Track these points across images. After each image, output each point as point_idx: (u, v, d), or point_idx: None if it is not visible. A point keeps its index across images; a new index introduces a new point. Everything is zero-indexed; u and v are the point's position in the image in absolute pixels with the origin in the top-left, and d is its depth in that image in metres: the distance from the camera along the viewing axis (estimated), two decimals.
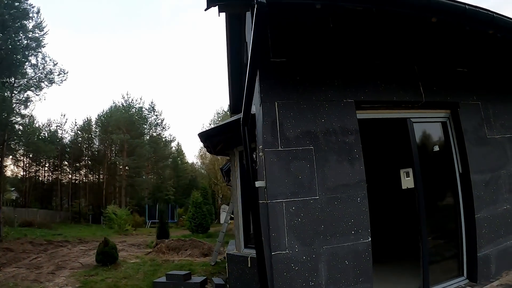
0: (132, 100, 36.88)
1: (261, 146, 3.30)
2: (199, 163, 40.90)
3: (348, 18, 3.28)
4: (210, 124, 38.26)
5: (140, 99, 39.04)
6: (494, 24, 2.80)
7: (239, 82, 7.68)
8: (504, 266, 3.29)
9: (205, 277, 5.63)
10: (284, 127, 3.10)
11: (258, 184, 3.17)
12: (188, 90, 71.06)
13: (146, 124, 37.23)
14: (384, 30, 3.46)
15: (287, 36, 3.37)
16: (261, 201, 3.27)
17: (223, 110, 40.33)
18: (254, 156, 5.12)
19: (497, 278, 3.15)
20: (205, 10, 2.46)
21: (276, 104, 3.14)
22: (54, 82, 21.07)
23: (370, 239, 3.03)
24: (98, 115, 37.10)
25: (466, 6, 2.65)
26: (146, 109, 37.23)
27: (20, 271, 6.83)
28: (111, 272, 6.38)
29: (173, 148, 39.20)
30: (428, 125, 3.64)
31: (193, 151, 75.02)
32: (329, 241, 2.94)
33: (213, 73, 73.57)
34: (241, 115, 4.24)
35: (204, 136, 5.07)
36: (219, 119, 38.22)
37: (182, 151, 40.79)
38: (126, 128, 33.11)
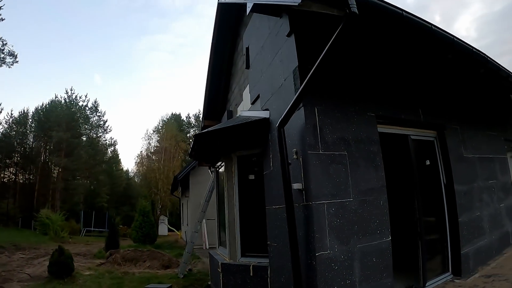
0: (76, 96, 34.85)
1: (295, 150, 3.55)
2: (134, 170, 39.88)
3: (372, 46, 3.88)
4: (153, 131, 39.00)
5: (85, 96, 36.14)
6: (487, 66, 3.74)
7: (217, 87, 7.78)
8: (479, 263, 4.20)
9: None
10: (323, 132, 3.42)
11: (295, 186, 3.40)
12: (132, 94, 71.38)
13: (87, 124, 35.26)
14: (396, 60, 4.19)
15: (321, 46, 3.76)
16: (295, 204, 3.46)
17: (167, 118, 42.63)
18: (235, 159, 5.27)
19: (476, 272, 4.01)
20: (299, 4, 2.53)
21: (316, 109, 3.46)
22: (4, 63, 17.70)
23: (390, 238, 3.53)
24: (36, 108, 34.19)
25: (473, 48, 3.51)
26: (89, 108, 35.48)
27: None
28: (69, 286, 5.45)
29: (109, 153, 37.52)
30: (421, 142, 4.44)
31: (130, 157, 71.34)
32: (361, 240, 3.33)
33: (160, 79, 73.80)
34: (219, 125, 4.41)
35: (202, 138, 5.00)
36: (163, 126, 37.71)
37: (118, 156, 39.12)
38: (66, 126, 30.56)
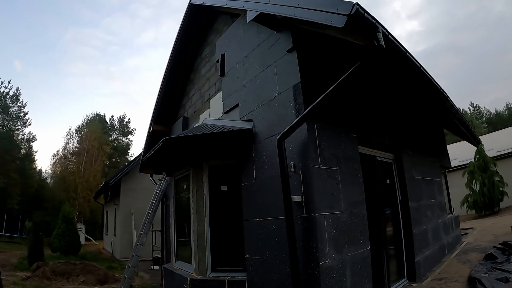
0: None
1: (292, 163, 3.79)
2: (49, 171, 36.61)
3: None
4: (76, 131, 37.19)
5: (8, 82, 30.87)
6: (445, 104, 4.71)
7: (172, 91, 7.56)
8: (427, 269, 5.09)
9: None
10: (321, 147, 3.77)
11: (296, 198, 3.62)
12: (54, 87, 66.83)
13: (6, 114, 30.41)
14: (377, 89, 4.91)
15: (324, 64, 4.16)
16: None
17: (91, 118, 41.68)
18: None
19: (427, 277, 4.84)
20: (342, 27, 2.80)
21: (315, 126, 3.80)
22: None
23: (369, 247, 4.05)
24: None
25: (440, 88, 4.41)
26: (9, 97, 30.87)
27: None
28: None
29: (24, 149, 32.77)
30: (384, 163, 5.22)
31: (44, 156, 63.60)
32: (350, 249, 3.74)
33: (86, 75, 70.40)
34: (192, 131, 4.52)
35: (173, 143, 4.80)
36: (87, 125, 36.20)
37: (33, 154, 33.64)
38: None
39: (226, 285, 4.41)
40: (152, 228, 10.31)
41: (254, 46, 4.88)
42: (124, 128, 46.71)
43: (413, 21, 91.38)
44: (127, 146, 45.74)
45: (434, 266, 5.37)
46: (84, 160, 29.74)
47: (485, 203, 14.99)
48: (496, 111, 48.63)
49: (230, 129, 4.63)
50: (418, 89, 4.42)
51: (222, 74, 5.67)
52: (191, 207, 5.07)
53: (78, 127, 38.21)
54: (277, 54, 4.29)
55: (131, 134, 46.60)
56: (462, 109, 50.45)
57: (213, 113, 5.96)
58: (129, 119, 49.22)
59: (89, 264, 8.35)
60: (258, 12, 4.04)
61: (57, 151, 37.01)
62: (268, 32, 4.53)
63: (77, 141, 34.75)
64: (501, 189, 14.98)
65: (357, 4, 2.71)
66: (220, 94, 5.76)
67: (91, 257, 12.29)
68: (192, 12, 6.66)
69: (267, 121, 4.35)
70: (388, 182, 5.22)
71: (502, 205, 15.35)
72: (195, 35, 7.01)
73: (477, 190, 15.42)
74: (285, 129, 3.67)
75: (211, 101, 6.14)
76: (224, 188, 5.07)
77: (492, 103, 77.34)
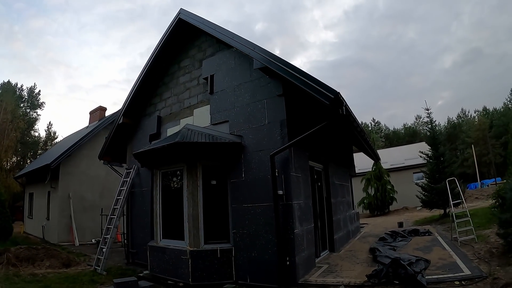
0: None
1: (277, 170, 6.83)
2: None
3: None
4: None
5: None
6: (363, 137, 8.51)
7: (145, 90, 9.58)
8: (340, 245, 8.84)
9: (152, 283, 7.01)
10: (294, 161, 6.91)
11: (280, 192, 6.68)
12: None
13: None
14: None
15: (296, 112, 7.27)
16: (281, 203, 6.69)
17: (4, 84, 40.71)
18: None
19: (341, 250, 8.56)
20: (330, 103, 6.04)
21: (292, 149, 6.92)
22: None
23: (313, 224, 7.45)
24: None
25: (363, 130, 8.13)
26: None
27: None
28: None
29: None
30: (317, 171, 8.76)
31: None
32: (305, 224, 7.01)
33: None
34: (199, 138, 7.23)
35: (183, 146, 7.18)
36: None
37: None
38: None
39: (218, 252, 7.12)
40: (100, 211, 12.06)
41: (246, 80, 7.63)
42: (33, 100, 46.43)
43: (329, 32, 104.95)
44: (34, 121, 45.57)
45: (344, 244, 9.26)
46: None
47: (378, 205, 21.43)
48: (394, 128, 60.23)
49: (228, 141, 7.35)
50: (349, 132, 8.06)
51: (211, 92, 8.22)
52: (185, 196, 7.50)
53: None
54: (268, 94, 7.19)
55: (40, 108, 46.75)
56: (364, 123, 60.35)
57: (198, 121, 8.43)
58: (39, 90, 48.61)
59: (50, 248, 9.37)
60: (264, 66, 6.87)
61: None
62: (260, 74, 7.35)
63: None
64: (391, 195, 21.61)
65: (339, 92, 5.89)
66: (206, 107, 8.29)
67: (21, 242, 12.55)
68: (178, 25, 8.90)
69: (256, 139, 7.21)
70: (319, 184, 8.82)
71: (391, 207, 22.41)
72: (175, 45, 9.26)
73: (372, 194, 21.65)
74: (277, 150, 6.61)
75: (195, 110, 8.59)
76: (214, 182, 7.71)
77: (389, 119, 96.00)
